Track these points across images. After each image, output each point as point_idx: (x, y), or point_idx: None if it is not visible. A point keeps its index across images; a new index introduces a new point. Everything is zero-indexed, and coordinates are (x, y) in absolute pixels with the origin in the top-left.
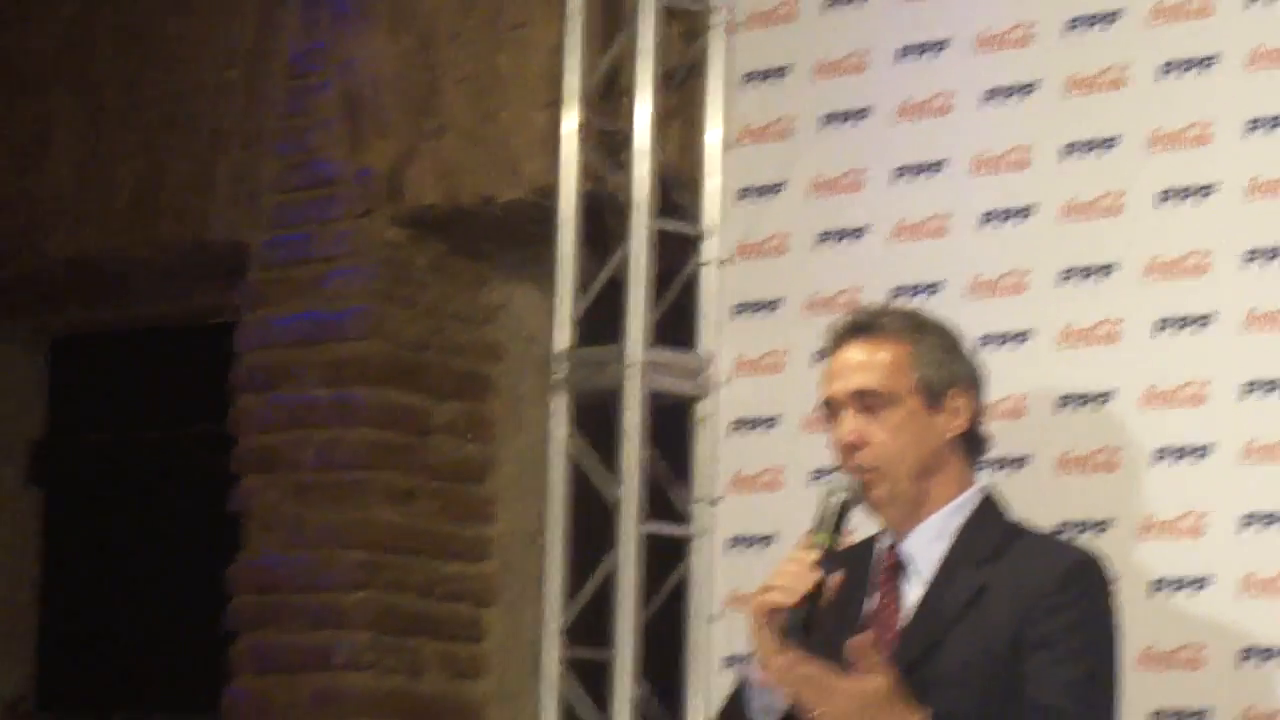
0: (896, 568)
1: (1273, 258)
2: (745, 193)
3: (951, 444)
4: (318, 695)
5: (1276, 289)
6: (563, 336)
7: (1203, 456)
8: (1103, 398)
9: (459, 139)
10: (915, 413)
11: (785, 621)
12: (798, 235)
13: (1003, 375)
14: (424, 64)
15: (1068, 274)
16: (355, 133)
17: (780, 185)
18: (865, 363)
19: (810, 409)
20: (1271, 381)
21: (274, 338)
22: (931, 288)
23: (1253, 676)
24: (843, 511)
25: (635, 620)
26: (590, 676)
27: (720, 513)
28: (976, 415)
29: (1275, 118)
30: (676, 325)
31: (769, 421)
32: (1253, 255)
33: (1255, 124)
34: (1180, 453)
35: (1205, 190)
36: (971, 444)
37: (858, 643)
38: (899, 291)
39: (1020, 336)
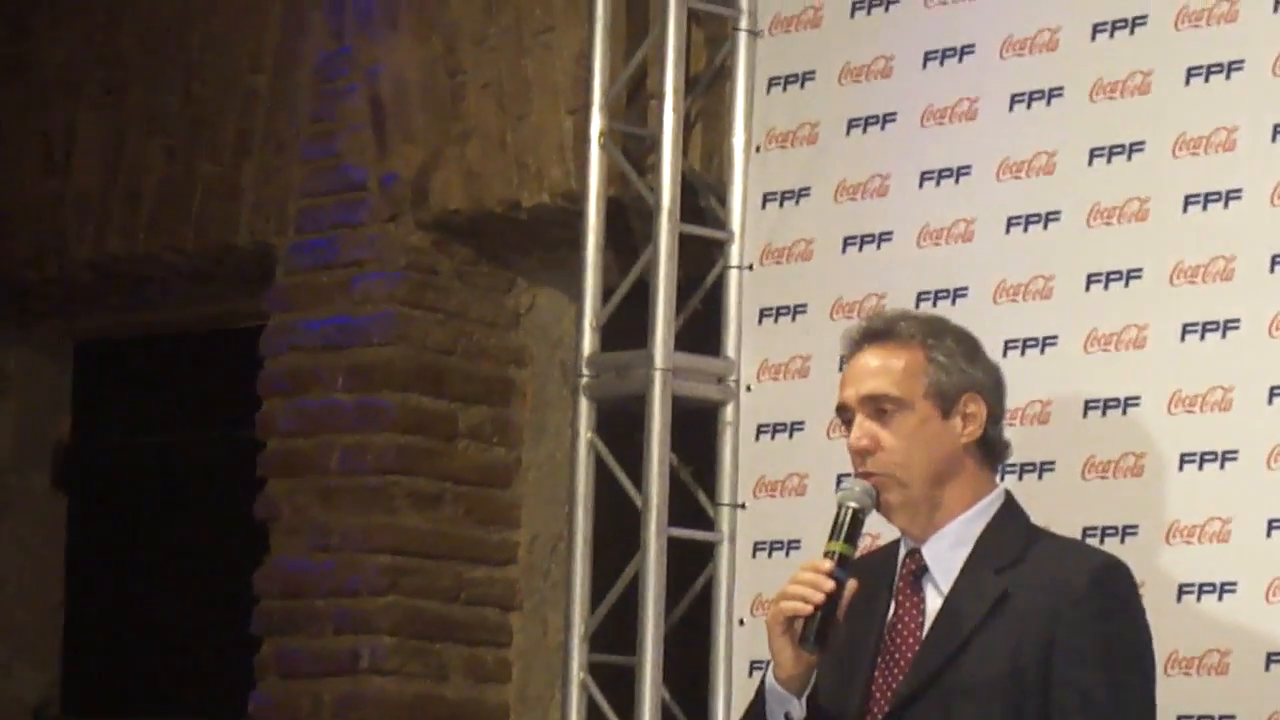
0: (917, 574)
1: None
2: (770, 197)
3: (967, 450)
4: (342, 700)
5: None
6: (588, 341)
7: (1229, 461)
8: (1129, 403)
9: (484, 144)
10: (928, 419)
11: (801, 630)
12: (823, 240)
13: (1028, 380)
14: (450, 69)
15: (1094, 279)
16: (381, 138)
17: (806, 190)
18: (879, 368)
19: (835, 414)
20: None
21: (300, 342)
22: (958, 293)
23: (1279, 681)
24: (856, 519)
25: (659, 626)
26: (614, 682)
27: (745, 518)
28: (992, 421)
29: None
30: (701, 330)
31: (794, 426)
32: (1279, 260)
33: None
34: (1206, 458)
35: (1231, 195)
36: (989, 449)
37: None
38: (924, 296)
39: (1046, 341)
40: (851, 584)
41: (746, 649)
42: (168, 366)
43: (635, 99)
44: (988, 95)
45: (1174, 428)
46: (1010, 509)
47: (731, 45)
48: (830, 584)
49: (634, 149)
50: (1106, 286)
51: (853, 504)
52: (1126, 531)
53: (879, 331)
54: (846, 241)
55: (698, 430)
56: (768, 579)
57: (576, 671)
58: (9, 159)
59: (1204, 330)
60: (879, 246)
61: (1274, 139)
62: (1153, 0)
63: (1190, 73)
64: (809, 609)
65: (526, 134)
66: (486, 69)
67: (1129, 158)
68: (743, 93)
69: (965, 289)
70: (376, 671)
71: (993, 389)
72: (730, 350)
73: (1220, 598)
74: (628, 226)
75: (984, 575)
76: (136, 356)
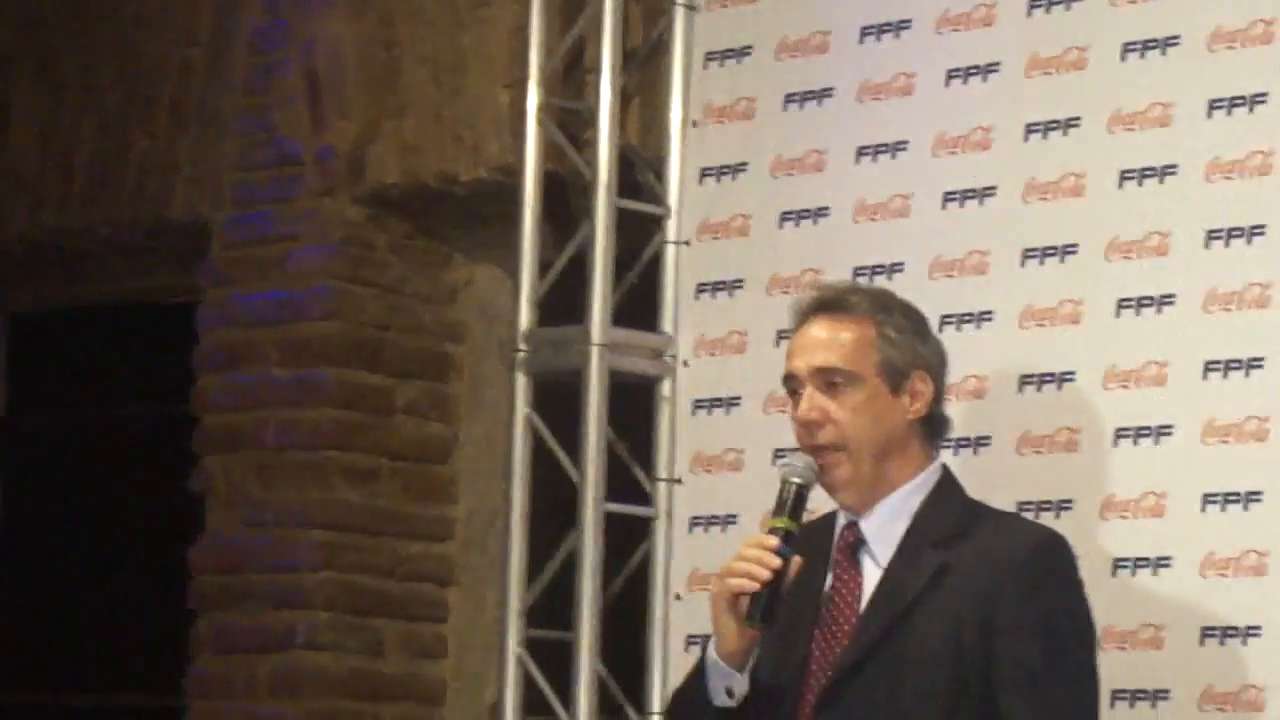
0: (855, 547)
1: (1232, 238)
2: (708, 173)
3: (911, 425)
4: (279, 675)
5: (1236, 269)
6: (525, 317)
7: (1164, 437)
8: (1064, 378)
9: (421, 118)
10: (877, 394)
11: (747, 607)
12: (760, 215)
13: (964, 355)
14: (386, 43)
15: (1030, 254)
16: (317, 112)
17: (742, 165)
18: (829, 341)
19: (772, 389)
20: (1231, 361)
21: (235, 317)
22: (894, 268)
23: (1213, 655)
24: (800, 495)
25: (596, 601)
26: (551, 657)
27: (682, 493)
28: (938, 397)
29: (1236, 98)
30: (638, 305)
31: (731, 402)
32: (1213, 235)
33: (1216, 104)
34: (1141, 433)
35: (1167, 171)
36: (931, 425)
37: None
38: (861, 272)
39: (982, 317)
40: (796, 560)
41: (683, 624)
42: (103, 341)
43: (572, 73)
44: (924, 71)
45: (1109, 403)
46: (948, 483)
47: (669, 20)
48: (776, 561)
49: (571, 124)
50: (1042, 262)
51: (796, 480)
52: (1061, 506)
53: (829, 303)
54: (783, 217)
55: (635, 405)
56: (705, 554)
57: (513, 647)
58: None
59: (1139, 305)
60: (815, 222)
61: (1209, 114)
62: None
63: (1126, 49)
64: (755, 586)
65: (463, 108)
66: (423, 43)
67: (1065, 133)
68: (680, 68)
69: (901, 264)
70: (313, 647)
71: (939, 366)
72: (667, 325)
73: (1155, 572)
74: (565, 201)
75: (922, 549)
76: (71, 331)
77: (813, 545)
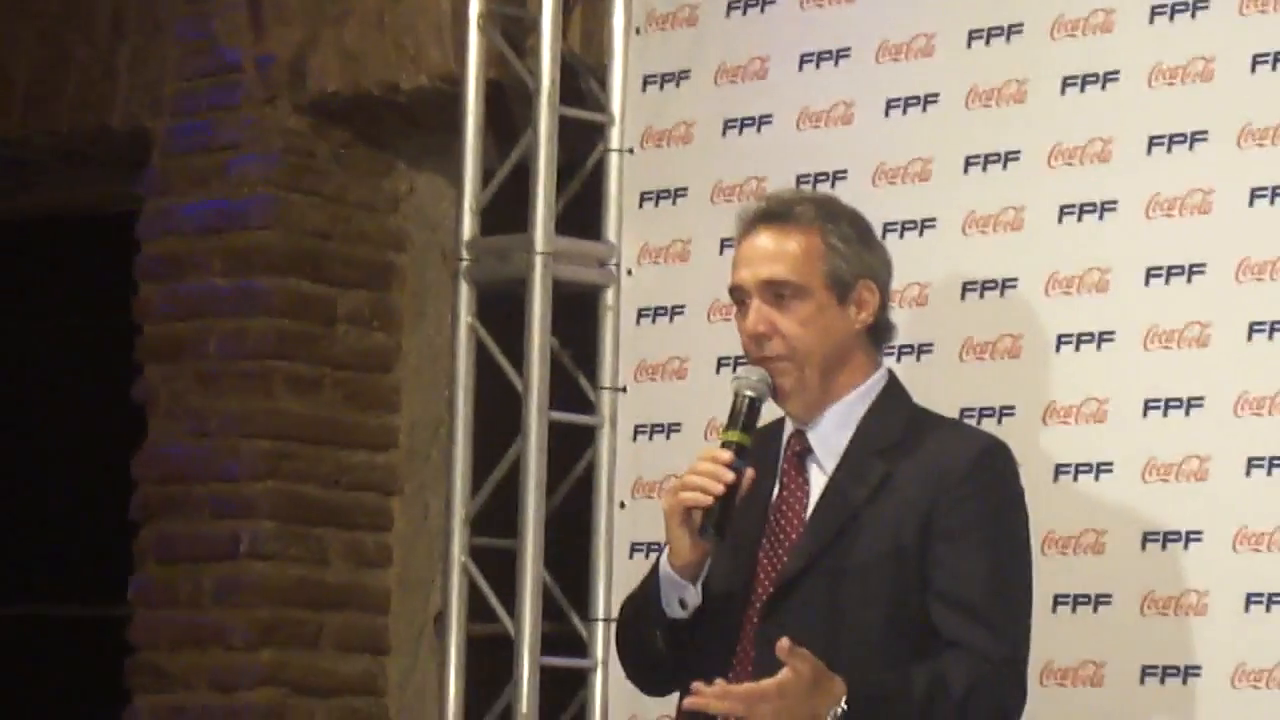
0: (802, 456)
1: (1175, 142)
2: (651, 80)
3: (858, 334)
4: (222, 585)
5: (1178, 178)
6: (468, 225)
7: (1106, 343)
8: (1007, 284)
9: (362, 25)
10: (825, 305)
11: (700, 520)
12: (703, 123)
13: (907, 263)
14: None
15: (972, 161)
16: (257, 19)
17: (685, 73)
18: (775, 252)
19: (716, 297)
20: (1173, 267)
21: (176, 226)
22: (837, 175)
23: (1154, 560)
24: (753, 408)
25: (540, 509)
26: (496, 565)
27: (626, 401)
28: (884, 305)
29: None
30: (582, 214)
31: (675, 310)
32: (1155, 142)
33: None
34: (1083, 339)
35: (1109, 77)
36: (877, 333)
37: (784, 645)
38: (804, 179)
39: (925, 224)
40: (749, 473)
41: (627, 532)
42: (44, 251)
43: None
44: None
45: (1051, 309)
46: (893, 390)
47: None
48: (730, 475)
49: (513, 31)
50: (985, 169)
51: (749, 393)
52: (1004, 412)
53: (774, 213)
54: (727, 124)
55: (578, 314)
56: (649, 462)
57: (458, 555)
58: None
59: (1081, 212)
60: (759, 129)
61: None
62: None
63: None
64: (709, 500)
65: (404, 15)
66: None
67: (1008, 40)
68: None
69: (845, 172)
70: (256, 556)
71: (885, 275)
72: (611, 234)
73: (1097, 478)
74: (507, 109)
75: (867, 457)
76: (11, 240)
77: (762, 454)
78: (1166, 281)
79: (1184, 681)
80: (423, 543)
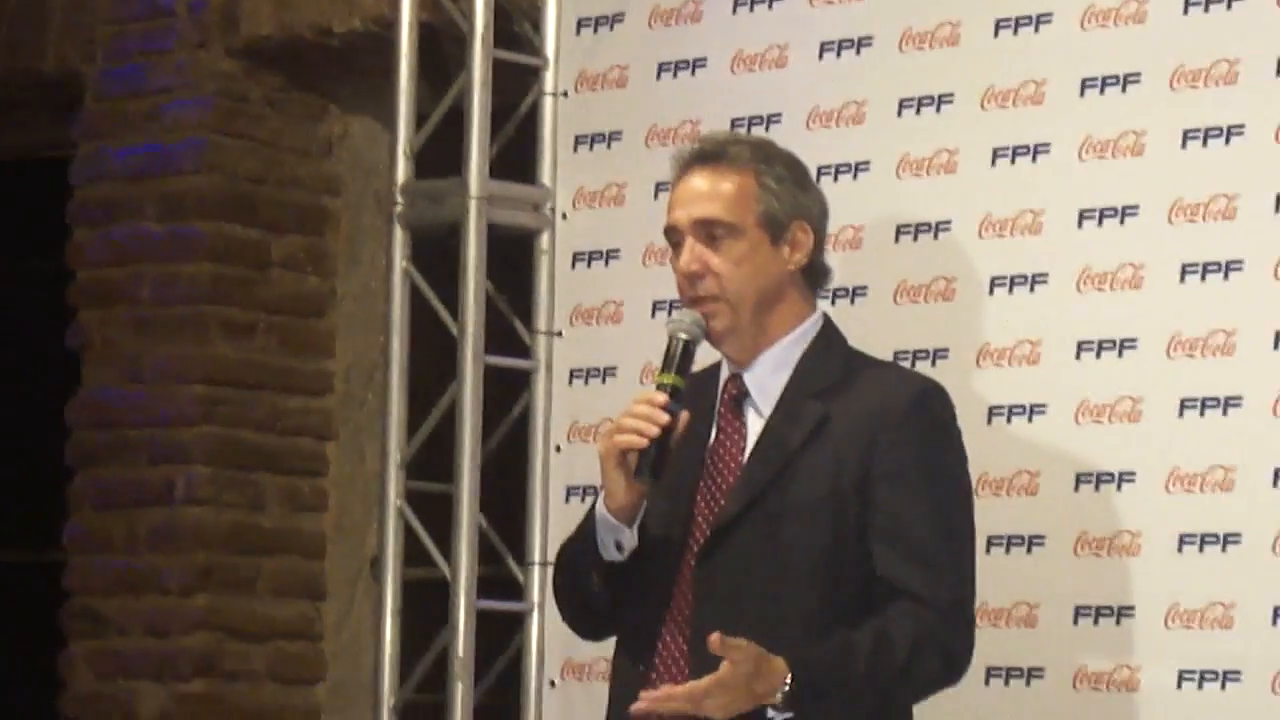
0: (738, 399)
1: (1107, 84)
2: (585, 23)
3: (792, 276)
4: (157, 530)
5: (1111, 121)
6: (402, 169)
7: (1039, 285)
8: (941, 228)
9: None
10: (758, 245)
11: (636, 463)
12: (638, 66)
13: (841, 206)
14: None
15: (906, 104)
16: None
17: (619, 15)
18: (709, 192)
19: (651, 241)
20: (1106, 209)
21: (109, 171)
22: (771, 118)
23: (1087, 501)
24: (688, 350)
25: (476, 453)
26: (432, 509)
27: (561, 345)
28: (818, 248)
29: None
30: (517, 158)
31: (610, 254)
32: (1088, 84)
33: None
34: (1017, 281)
35: (1042, 20)
36: (812, 276)
37: (715, 640)
38: (738, 122)
39: (859, 167)
40: (684, 416)
41: (563, 475)
42: None
43: None
44: None
45: (984, 251)
46: (829, 333)
47: None
48: (664, 417)
49: None
50: (918, 112)
51: (684, 335)
52: (937, 354)
53: (709, 154)
54: (661, 68)
55: (514, 258)
56: (584, 406)
57: (394, 499)
58: None
59: (1014, 154)
60: (693, 72)
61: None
62: None
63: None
64: (643, 442)
65: None
66: None
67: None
68: None
69: (779, 115)
70: (192, 501)
71: (820, 217)
72: (546, 178)
73: (1030, 419)
74: (441, 53)
75: (804, 399)
76: None
77: (698, 398)
78: (1099, 224)
79: (1117, 622)
80: (358, 487)
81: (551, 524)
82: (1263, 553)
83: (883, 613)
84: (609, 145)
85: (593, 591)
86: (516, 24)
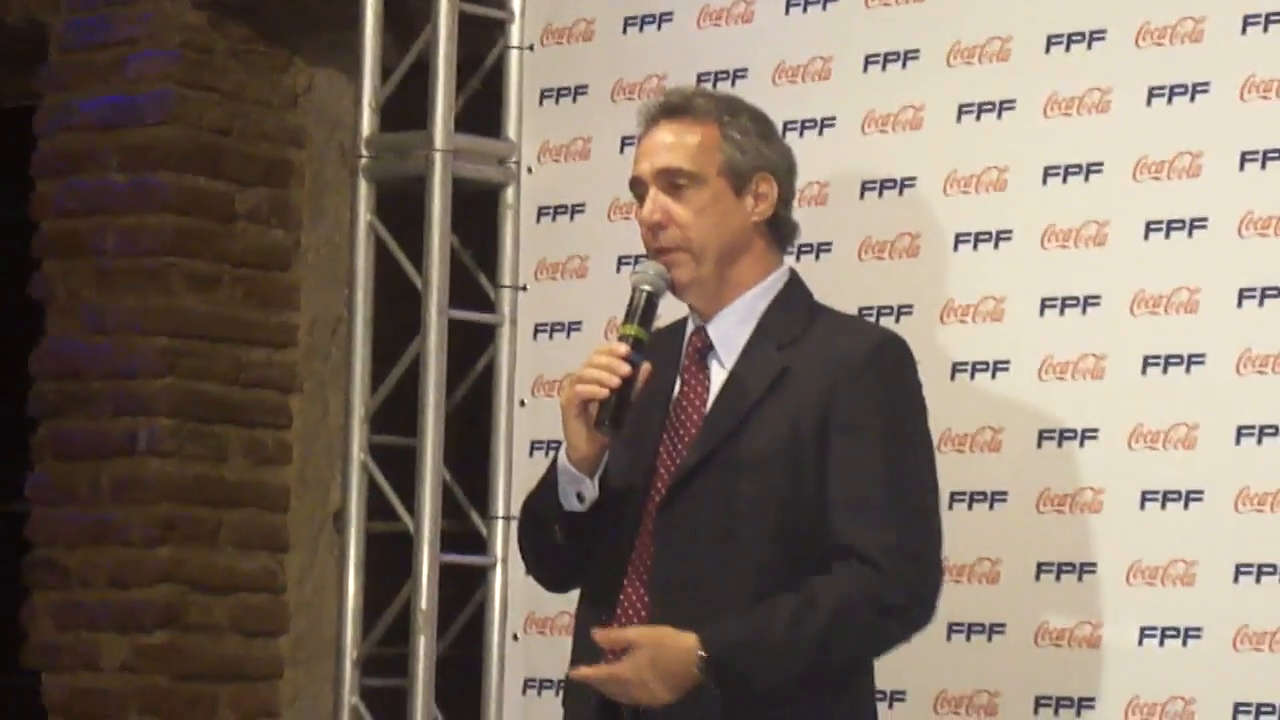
0: (703, 351)
1: (1073, 41)
2: None
3: (757, 228)
4: (121, 482)
5: (1076, 78)
6: (367, 122)
7: (1003, 241)
8: (905, 184)
9: None
10: (721, 195)
11: (596, 413)
12: (604, 20)
13: (806, 162)
14: None
15: (871, 60)
16: None
17: None
18: (673, 143)
19: (616, 195)
20: (1071, 166)
21: (74, 122)
22: (737, 74)
23: (1050, 458)
24: (650, 302)
25: (440, 407)
26: (395, 463)
27: (526, 299)
28: (783, 201)
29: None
30: (482, 111)
31: (575, 209)
32: (1053, 41)
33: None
34: (981, 238)
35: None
36: (778, 230)
37: (603, 636)
38: (704, 77)
39: (825, 123)
40: (645, 367)
41: (527, 429)
42: None
43: None
44: None
45: (949, 208)
46: (794, 287)
47: None
48: (626, 368)
49: None
50: (884, 68)
51: (646, 287)
52: (902, 311)
53: (675, 107)
54: (627, 22)
55: (479, 212)
56: (549, 360)
57: (357, 453)
58: None
59: (979, 111)
60: (659, 27)
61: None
62: None
63: None
64: (604, 393)
65: None
66: None
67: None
68: None
69: (745, 70)
70: (155, 453)
71: (785, 170)
72: (511, 132)
73: (994, 376)
74: (406, 5)
75: (767, 351)
76: None
77: (664, 351)
78: (1064, 180)
79: (1079, 578)
80: (322, 440)
81: (515, 478)
82: (1225, 510)
83: (821, 576)
84: (574, 99)
85: (555, 543)
86: None
